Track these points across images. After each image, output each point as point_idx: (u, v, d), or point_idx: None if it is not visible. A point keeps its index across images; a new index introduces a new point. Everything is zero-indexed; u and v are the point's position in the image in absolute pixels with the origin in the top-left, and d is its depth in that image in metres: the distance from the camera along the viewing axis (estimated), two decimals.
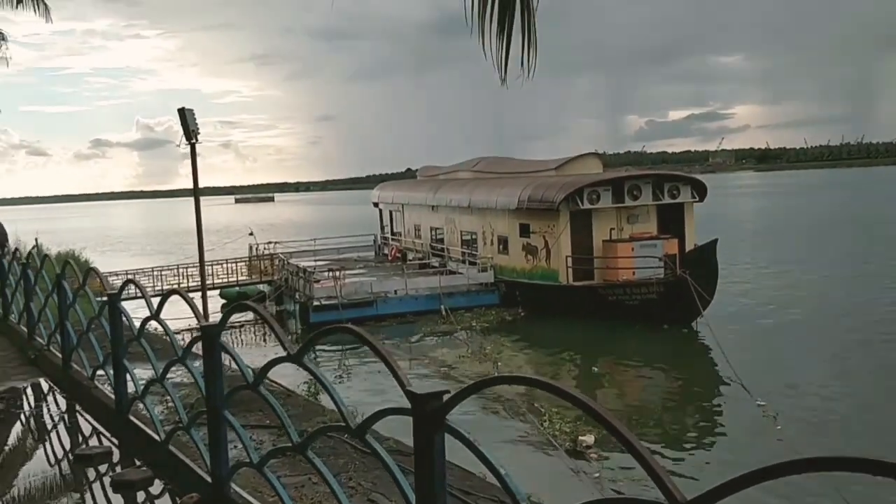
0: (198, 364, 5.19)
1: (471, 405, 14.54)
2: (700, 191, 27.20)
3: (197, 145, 21.45)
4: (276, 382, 8.14)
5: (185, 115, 20.41)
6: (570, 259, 26.26)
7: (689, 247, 26.14)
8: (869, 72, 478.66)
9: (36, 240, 33.83)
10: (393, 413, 3.08)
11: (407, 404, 2.85)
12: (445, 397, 2.76)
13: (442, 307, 26.98)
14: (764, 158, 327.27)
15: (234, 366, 4.58)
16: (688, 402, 18.08)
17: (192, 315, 5.38)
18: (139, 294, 6.40)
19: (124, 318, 6.60)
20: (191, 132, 20.50)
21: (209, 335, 4.71)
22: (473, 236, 31.99)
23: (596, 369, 20.94)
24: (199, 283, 23.22)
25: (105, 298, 6.83)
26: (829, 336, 23.02)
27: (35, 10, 34.42)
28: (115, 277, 32.35)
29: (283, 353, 3.90)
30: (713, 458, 14.27)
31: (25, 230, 37.79)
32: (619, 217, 26.76)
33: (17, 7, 20.20)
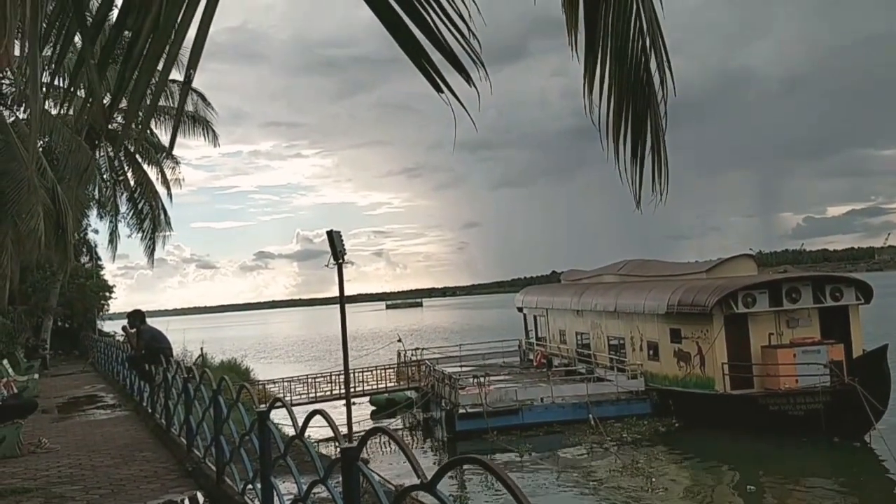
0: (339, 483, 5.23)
1: None
2: (865, 292, 25.52)
3: (351, 254, 22.30)
4: (416, 500, 8.06)
5: (333, 237, 21.21)
6: (726, 366, 25.02)
7: (856, 352, 24.37)
8: None
9: (202, 349, 36.01)
10: None
11: None
12: None
13: (590, 416, 26.20)
14: None
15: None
16: None
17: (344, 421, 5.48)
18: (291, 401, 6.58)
19: (273, 433, 6.79)
20: (338, 252, 21.28)
21: (348, 457, 4.76)
22: (621, 341, 31.19)
23: (752, 488, 19.45)
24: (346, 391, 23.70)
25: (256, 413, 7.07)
26: None
27: (205, 137, 37.93)
28: (272, 385, 33.73)
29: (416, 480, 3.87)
30: None
31: (193, 339, 40.20)
32: (777, 321, 25.40)
33: (188, 136, 22.17)
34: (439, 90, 3.04)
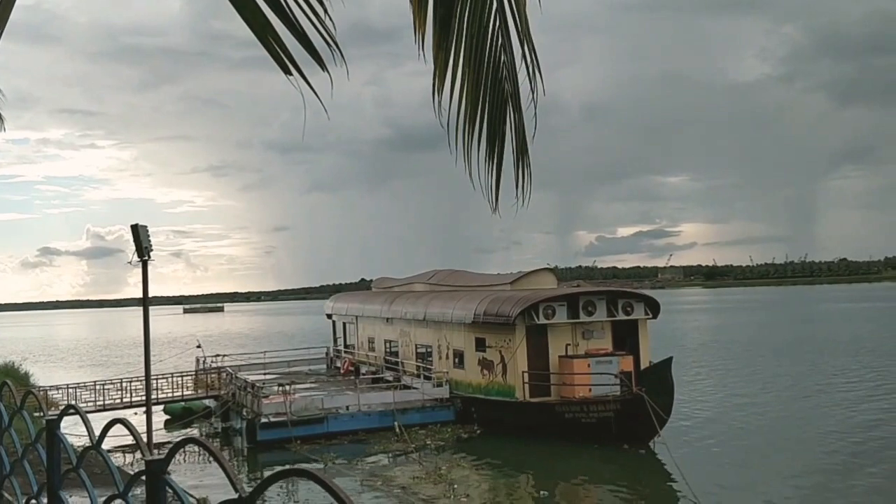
0: (141, 493, 4.77)
1: None
2: (653, 308, 27.42)
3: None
4: None
5: (139, 232, 19.85)
6: (526, 374, 25.98)
7: (643, 364, 26.07)
8: (810, 194, 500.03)
9: None
10: None
11: None
12: None
13: (396, 424, 26.30)
14: (711, 275, 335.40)
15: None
16: None
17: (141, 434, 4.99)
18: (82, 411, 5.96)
19: (64, 443, 6.13)
20: (143, 249, 19.94)
21: (154, 469, 4.34)
22: (429, 350, 31.62)
23: (545, 493, 20.27)
24: (143, 399, 22.27)
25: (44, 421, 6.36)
26: (788, 454, 22.81)
27: None
28: (55, 392, 31.09)
29: (234, 493, 3.56)
30: None
31: None
32: (574, 333, 26.71)
33: None
34: (287, 72, 2.81)
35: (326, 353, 41.73)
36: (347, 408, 27.59)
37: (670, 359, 24.50)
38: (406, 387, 30.15)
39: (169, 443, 24.79)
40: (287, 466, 3.21)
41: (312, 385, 33.32)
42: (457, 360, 29.30)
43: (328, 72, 2.77)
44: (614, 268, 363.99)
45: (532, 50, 3.07)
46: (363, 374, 34.80)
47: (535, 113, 3.07)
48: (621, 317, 26.81)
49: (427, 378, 30.10)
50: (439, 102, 3.15)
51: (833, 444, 23.80)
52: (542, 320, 26.09)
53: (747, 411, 29.65)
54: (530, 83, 3.08)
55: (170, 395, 32.52)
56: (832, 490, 19.03)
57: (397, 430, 25.91)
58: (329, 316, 43.07)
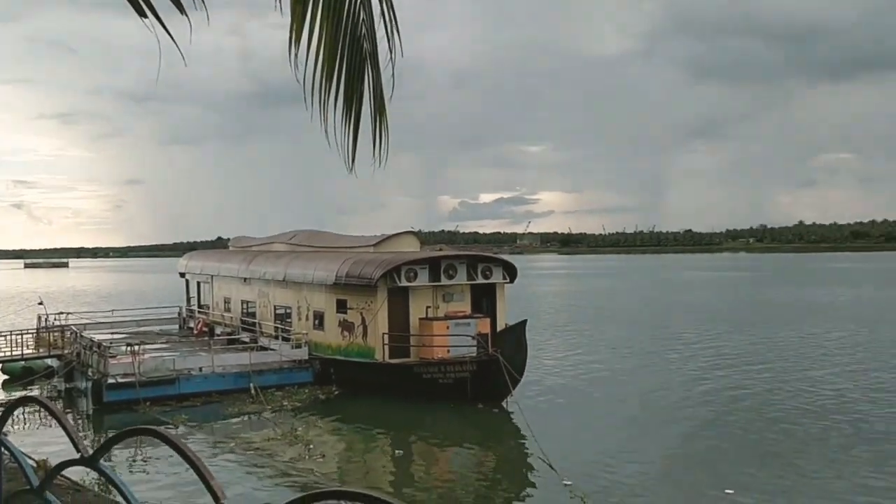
0: None
1: None
2: (511, 272, 28.13)
3: None
4: (64, 477, 7.28)
5: None
6: (386, 336, 26.14)
7: (500, 326, 26.80)
8: (661, 167, 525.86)
9: None
10: None
11: None
12: None
13: (251, 386, 25.89)
14: (567, 242, 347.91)
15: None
16: (496, 484, 18.16)
17: None
18: None
19: None
20: None
21: None
22: (288, 311, 31.20)
23: (400, 452, 20.62)
24: None
25: None
26: (635, 413, 24.13)
27: None
28: None
29: (75, 454, 3.40)
30: None
31: None
32: (434, 295, 27.06)
33: None
34: (142, 14, 2.64)
35: (179, 314, 40.40)
36: (201, 369, 26.87)
37: (525, 321, 25.33)
38: (263, 348, 29.68)
39: (6, 403, 23.41)
40: (143, 426, 3.08)
41: (163, 345, 32.19)
42: (317, 321, 29.07)
43: (187, 15, 2.63)
44: (476, 233, 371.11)
45: (391, 8, 3.02)
46: (218, 335, 33.97)
47: (394, 73, 3.02)
48: (480, 280, 27.37)
49: (285, 339, 29.74)
50: (296, 56, 3.05)
51: (674, 403, 25.34)
52: (404, 283, 26.25)
53: (596, 373, 31.09)
54: (388, 43, 3.03)
55: (8, 353, 30.56)
56: (672, 444, 20.29)
57: (253, 391, 25.52)
58: (182, 275, 41.63)
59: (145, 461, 18.83)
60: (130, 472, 17.82)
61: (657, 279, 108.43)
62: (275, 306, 32.28)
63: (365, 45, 3.05)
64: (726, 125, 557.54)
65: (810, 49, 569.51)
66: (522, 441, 21.10)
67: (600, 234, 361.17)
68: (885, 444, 19.48)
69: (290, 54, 3.03)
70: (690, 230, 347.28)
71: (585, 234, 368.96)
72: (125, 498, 3.27)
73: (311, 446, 20.31)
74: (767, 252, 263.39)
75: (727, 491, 16.14)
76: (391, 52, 3.02)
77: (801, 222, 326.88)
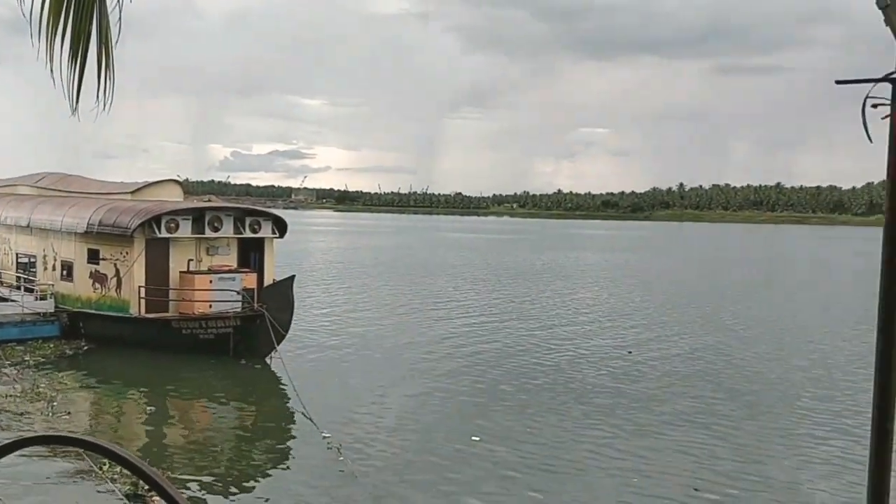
0: None
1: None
2: (281, 227, 27.82)
3: None
4: None
5: None
6: (143, 289, 24.93)
7: (267, 281, 26.49)
8: (435, 130, 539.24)
9: None
10: None
11: None
12: None
13: None
14: (342, 199, 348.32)
15: None
16: (256, 438, 18.14)
17: None
18: None
19: None
20: None
21: None
22: (32, 260, 28.79)
23: (153, 409, 19.94)
24: None
25: None
26: (395, 367, 24.90)
27: None
28: None
29: None
30: (279, 491, 14.50)
31: None
32: (198, 248, 26.16)
33: None
34: None
35: None
36: None
37: (292, 277, 25.22)
38: (3, 299, 27.29)
39: None
40: None
41: None
42: (65, 272, 27.09)
43: None
44: (248, 185, 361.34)
45: None
46: None
47: (120, 17, 2.96)
48: (248, 234, 26.83)
49: (29, 291, 27.48)
50: None
51: (431, 358, 26.47)
52: (164, 234, 25.11)
53: (361, 328, 31.68)
54: None
55: None
56: (425, 396, 21.25)
57: None
58: None
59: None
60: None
61: (428, 238, 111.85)
62: (17, 254, 29.69)
63: None
64: (496, 94, 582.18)
65: (578, 26, 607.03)
66: (284, 396, 21.18)
67: (376, 193, 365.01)
68: (596, 398, 21.55)
69: None
70: (461, 193, 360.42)
71: (361, 191, 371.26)
72: None
73: (55, 403, 19.11)
74: (529, 217, 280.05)
75: (473, 438, 17.30)
76: None
77: (559, 191, 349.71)
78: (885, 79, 3.03)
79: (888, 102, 3.07)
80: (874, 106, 3.12)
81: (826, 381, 24.06)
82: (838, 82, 3.22)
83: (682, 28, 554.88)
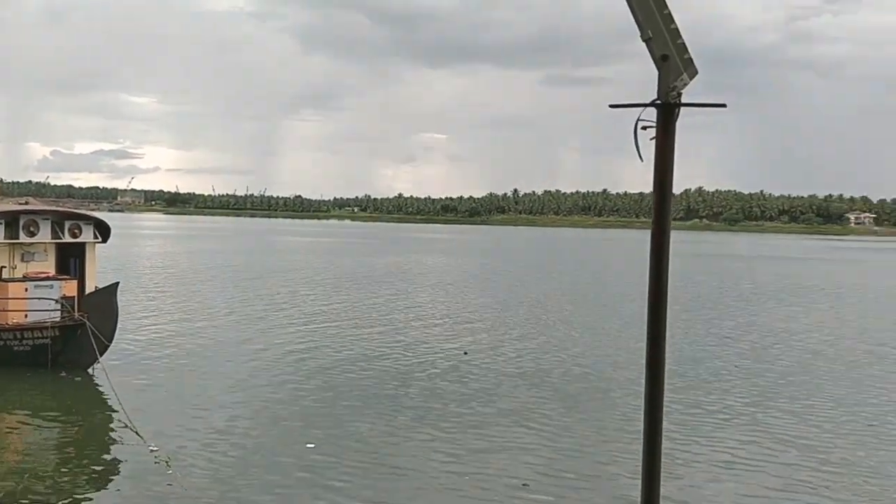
0: None
1: None
2: (104, 231, 26.50)
3: None
4: None
5: None
6: None
7: (89, 289, 25.16)
8: (273, 131, 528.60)
9: None
10: None
11: None
12: None
13: None
14: (173, 201, 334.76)
15: None
16: (78, 455, 17.14)
17: None
18: None
19: None
20: None
21: None
22: None
23: None
24: None
25: None
26: (224, 377, 24.25)
27: None
28: None
29: None
30: None
31: None
32: (12, 254, 24.49)
33: None
34: None
35: None
36: None
37: (116, 284, 24.19)
38: None
39: None
40: None
41: None
42: None
43: None
44: (70, 186, 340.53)
45: None
46: None
47: None
48: (67, 239, 25.39)
49: None
50: None
51: (261, 366, 26.02)
52: None
53: (190, 337, 30.66)
54: None
55: None
56: (257, 406, 20.88)
57: None
58: None
59: None
60: None
61: (266, 242, 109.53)
62: None
63: None
64: (335, 97, 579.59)
65: (415, 33, 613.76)
66: (108, 409, 20.21)
67: (210, 195, 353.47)
68: (430, 400, 22.09)
69: None
70: (300, 196, 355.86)
71: (194, 193, 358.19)
72: None
73: None
74: (371, 221, 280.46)
75: (308, 445, 17.22)
76: None
77: (400, 195, 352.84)
78: (652, 104, 3.38)
79: (654, 125, 3.43)
80: (644, 128, 3.48)
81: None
82: (612, 106, 3.57)
83: (516, 38, 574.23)
